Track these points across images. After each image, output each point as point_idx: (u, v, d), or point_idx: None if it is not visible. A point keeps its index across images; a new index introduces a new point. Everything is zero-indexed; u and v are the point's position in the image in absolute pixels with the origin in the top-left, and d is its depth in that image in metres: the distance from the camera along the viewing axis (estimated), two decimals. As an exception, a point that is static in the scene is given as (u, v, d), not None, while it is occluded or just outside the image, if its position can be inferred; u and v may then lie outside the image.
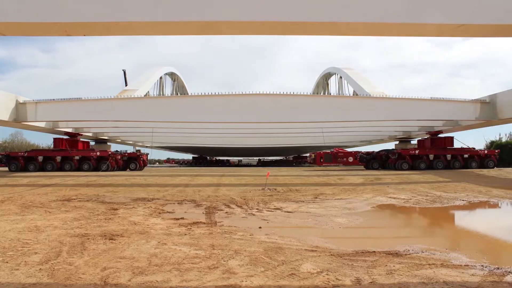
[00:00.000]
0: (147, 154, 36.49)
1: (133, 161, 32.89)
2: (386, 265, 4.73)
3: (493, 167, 29.32)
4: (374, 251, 5.43)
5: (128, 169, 32.30)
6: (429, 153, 29.82)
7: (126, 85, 49.99)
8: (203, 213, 9.41)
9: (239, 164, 75.91)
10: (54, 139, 31.55)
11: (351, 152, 43.52)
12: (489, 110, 23.88)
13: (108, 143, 38.85)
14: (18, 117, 23.56)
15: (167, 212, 9.59)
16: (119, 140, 41.49)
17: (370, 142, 46.66)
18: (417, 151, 30.37)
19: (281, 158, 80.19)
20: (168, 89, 45.97)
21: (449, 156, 29.58)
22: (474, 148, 30.92)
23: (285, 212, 9.63)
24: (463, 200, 12.15)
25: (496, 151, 32.26)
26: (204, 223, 7.82)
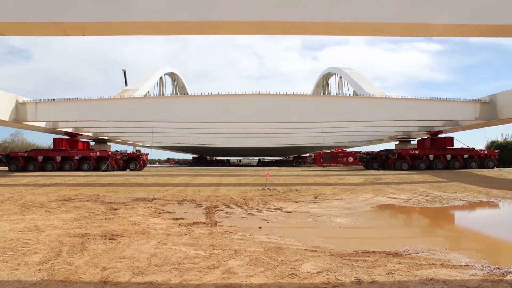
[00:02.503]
0: (147, 154, 36.48)
1: (133, 161, 32.89)
2: (386, 265, 4.73)
3: (493, 167, 29.32)
4: (374, 251, 5.43)
5: (128, 169, 32.30)
6: (429, 153, 29.81)
7: (126, 85, 49.96)
8: (203, 213, 9.41)
9: (239, 164, 75.93)
10: (54, 139, 31.55)
11: (351, 152, 43.51)
12: (489, 110, 23.89)
13: (108, 143, 38.84)
14: (18, 117, 23.56)
15: (167, 212, 9.59)
16: (119, 140, 41.48)
17: (370, 142, 46.65)
18: (417, 151, 30.37)
19: (281, 158, 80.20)
20: (168, 89, 45.98)
21: (449, 156, 29.57)
22: (474, 148, 30.92)
23: (285, 212, 9.63)
24: (463, 200, 12.15)
25: (496, 151, 32.25)
26: (204, 223, 7.82)
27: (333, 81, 46.34)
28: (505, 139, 46.23)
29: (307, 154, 62.11)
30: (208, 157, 73.78)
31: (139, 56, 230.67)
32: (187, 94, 44.16)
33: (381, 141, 43.25)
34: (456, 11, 6.64)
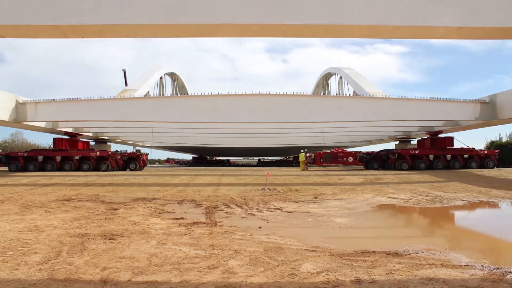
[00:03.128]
0: (147, 154, 36.47)
1: (133, 161, 32.89)
2: (386, 265, 4.73)
3: (493, 167, 29.31)
4: (374, 251, 5.43)
5: (128, 169, 32.30)
6: (429, 153, 29.81)
7: (126, 85, 49.95)
8: (203, 213, 9.41)
9: (239, 164, 75.91)
10: (54, 139, 31.55)
11: (351, 152, 43.47)
12: (489, 110, 23.89)
13: (108, 143, 38.85)
14: (18, 117, 23.57)
15: (167, 212, 9.59)
16: (119, 140, 41.49)
17: (370, 142, 46.68)
18: (417, 151, 30.37)
19: (281, 158, 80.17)
20: (168, 89, 46.00)
21: (449, 156, 29.57)
22: (474, 148, 30.92)
23: (285, 212, 9.63)
24: (463, 200, 12.15)
25: (496, 151, 32.24)
26: (204, 223, 7.82)
27: (333, 81, 46.44)
28: (500, 139, 46.25)
29: (308, 154, 62.06)
30: (208, 157, 73.78)
31: (104, 59, 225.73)
32: (187, 94, 44.20)
33: (381, 141, 43.28)
34: (457, 13, 6.65)
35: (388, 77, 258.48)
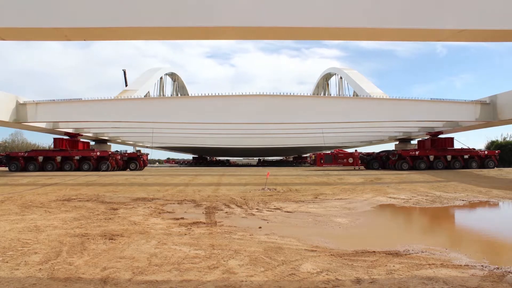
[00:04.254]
0: (147, 154, 36.51)
1: (133, 161, 32.92)
2: (386, 265, 4.73)
3: (493, 167, 29.33)
4: (374, 251, 5.43)
5: (128, 169, 32.32)
6: (429, 154, 29.82)
7: (126, 86, 50.04)
8: (203, 213, 9.41)
9: (239, 164, 75.89)
10: (54, 139, 31.56)
11: (351, 153, 43.53)
12: (489, 111, 23.89)
13: (108, 143, 38.87)
14: (19, 117, 23.58)
15: (167, 212, 9.59)
16: (120, 141, 41.52)
17: (370, 143, 46.68)
18: (417, 152, 30.37)
19: (281, 158, 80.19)
20: (168, 89, 46.04)
21: (449, 157, 29.58)
22: (474, 149, 30.92)
23: (285, 212, 9.63)
24: (463, 200, 12.15)
25: (497, 151, 32.24)
26: (204, 223, 7.82)
27: (333, 82, 46.46)
28: (504, 139, 46.24)
29: (307, 155, 62.13)
30: (208, 157, 73.79)
31: (42, 65, 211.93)
32: (187, 94, 44.24)
33: (381, 141, 43.28)
34: (458, 16, 6.65)
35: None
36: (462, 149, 30.64)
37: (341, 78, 40.72)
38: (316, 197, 12.84)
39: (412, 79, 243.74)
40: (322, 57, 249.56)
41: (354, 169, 32.49)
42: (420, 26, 6.75)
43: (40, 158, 29.25)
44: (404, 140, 37.68)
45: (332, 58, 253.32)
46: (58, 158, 29.33)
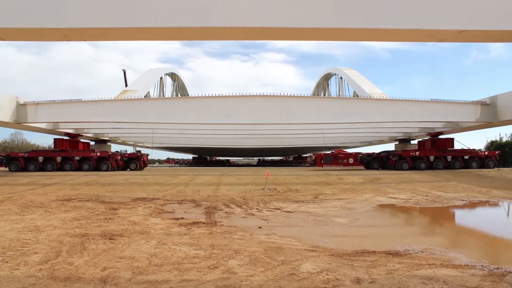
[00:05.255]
0: (147, 155, 36.56)
1: (133, 161, 32.98)
2: (386, 265, 4.72)
3: (493, 167, 29.35)
4: (374, 251, 5.43)
5: (128, 169, 32.35)
6: (429, 154, 29.83)
7: (126, 86, 50.04)
8: (203, 213, 9.41)
9: (239, 164, 75.87)
10: (55, 139, 31.60)
11: (351, 153, 43.55)
12: (489, 112, 23.89)
13: (109, 144, 38.90)
14: (19, 118, 23.60)
15: (167, 212, 9.59)
16: (120, 141, 41.53)
17: (370, 143, 46.69)
18: (417, 153, 30.39)
19: (281, 158, 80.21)
20: (168, 90, 46.08)
21: (449, 158, 29.58)
22: (474, 150, 30.94)
23: (285, 212, 9.62)
24: (463, 200, 12.15)
25: (497, 152, 32.26)
26: (204, 223, 7.82)
27: (333, 82, 46.49)
28: (501, 139, 46.24)
29: (308, 155, 62.16)
30: (208, 157, 73.80)
31: None
32: (187, 94, 44.29)
33: (381, 142, 43.27)
34: (458, 17, 6.65)
35: (293, 85, 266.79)
36: (462, 150, 30.66)
37: (341, 78, 40.74)
38: (316, 197, 12.83)
39: (378, 81, 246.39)
40: (271, 61, 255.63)
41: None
42: (420, 26, 6.75)
43: (40, 159, 29.28)
44: (404, 141, 37.69)
45: (281, 62, 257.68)
46: (58, 159, 29.36)
